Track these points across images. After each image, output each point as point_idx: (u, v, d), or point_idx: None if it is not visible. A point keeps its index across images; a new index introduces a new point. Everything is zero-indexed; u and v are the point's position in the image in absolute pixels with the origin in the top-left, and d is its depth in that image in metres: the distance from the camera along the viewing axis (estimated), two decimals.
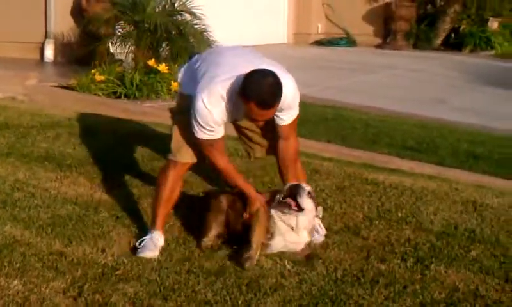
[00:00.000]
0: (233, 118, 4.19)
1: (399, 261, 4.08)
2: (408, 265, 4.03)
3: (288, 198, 4.10)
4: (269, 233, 4.10)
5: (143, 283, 3.65)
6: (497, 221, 4.85)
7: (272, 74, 3.93)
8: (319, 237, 4.32)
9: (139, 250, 4.05)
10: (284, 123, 4.19)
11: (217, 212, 4.31)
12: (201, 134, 4.02)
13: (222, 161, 4.20)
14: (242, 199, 4.26)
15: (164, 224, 4.26)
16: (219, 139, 4.08)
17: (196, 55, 4.45)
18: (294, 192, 4.13)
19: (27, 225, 4.36)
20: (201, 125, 3.98)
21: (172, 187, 4.26)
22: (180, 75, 4.46)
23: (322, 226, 4.39)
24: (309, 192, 4.15)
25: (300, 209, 4.08)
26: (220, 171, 4.28)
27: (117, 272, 3.76)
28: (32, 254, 3.93)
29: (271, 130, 4.30)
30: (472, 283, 3.83)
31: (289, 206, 4.10)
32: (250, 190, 4.26)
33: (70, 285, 3.59)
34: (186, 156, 4.26)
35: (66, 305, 3.39)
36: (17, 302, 3.40)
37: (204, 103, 3.94)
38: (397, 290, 3.70)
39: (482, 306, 3.56)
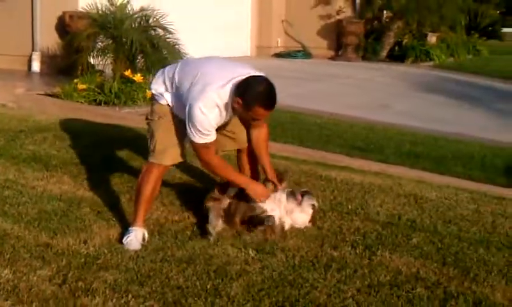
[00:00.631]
0: (224, 121, 4.15)
1: (349, 248, 4.10)
2: (358, 251, 4.06)
3: (298, 195, 4.37)
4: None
5: (122, 270, 3.63)
6: (435, 212, 4.90)
7: (264, 78, 4.02)
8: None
9: (125, 244, 4.00)
10: None
11: None
12: (199, 139, 3.99)
13: (216, 160, 4.19)
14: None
15: (144, 219, 4.24)
16: (212, 141, 4.06)
17: (168, 68, 4.32)
18: (304, 193, 4.39)
19: (16, 219, 4.32)
20: (199, 130, 3.95)
21: (154, 187, 4.24)
22: (155, 87, 4.29)
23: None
24: (313, 205, 4.38)
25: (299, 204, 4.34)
26: (214, 169, 4.25)
27: (98, 261, 3.73)
28: (21, 246, 3.88)
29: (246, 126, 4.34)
30: (413, 266, 3.87)
31: (297, 199, 4.35)
32: (246, 181, 4.28)
33: (56, 273, 3.55)
34: (170, 158, 4.24)
35: (52, 291, 3.36)
36: (7, 289, 3.36)
37: (201, 111, 3.90)
38: (348, 273, 3.72)
39: (422, 287, 3.59)
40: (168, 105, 4.19)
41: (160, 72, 4.37)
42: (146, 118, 4.38)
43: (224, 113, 4.03)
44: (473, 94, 12.09)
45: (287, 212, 4.32)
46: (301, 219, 4.35)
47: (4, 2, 10.61)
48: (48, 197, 4.78)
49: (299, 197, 4.37)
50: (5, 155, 5.80)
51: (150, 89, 4.40)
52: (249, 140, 4.41)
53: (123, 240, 4.03)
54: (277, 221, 4.25)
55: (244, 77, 3.97)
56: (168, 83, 4.21)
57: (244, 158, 4.53)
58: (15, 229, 4.15)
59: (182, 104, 4.07)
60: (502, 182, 6.03)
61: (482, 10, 21.43)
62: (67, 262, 3.70)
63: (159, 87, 4.26)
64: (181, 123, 4.12)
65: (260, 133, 4.35)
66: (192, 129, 3.96)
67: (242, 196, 4.26)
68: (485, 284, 3.66)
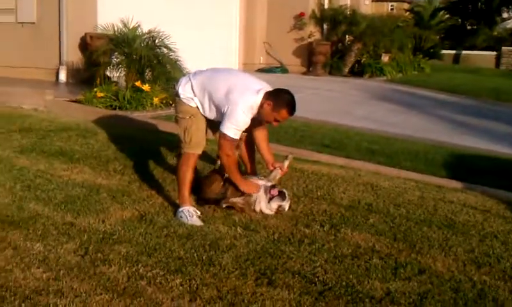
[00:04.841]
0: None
1: (318, 227, 4.12)
2: (325, 229, 4.08)
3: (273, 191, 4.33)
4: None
5: (133, 244, 3.62)
6: (388, 197, 4.92)
7: (290, 92, 4.24)
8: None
9: (188, 220, 4.05)
10: None
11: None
12: (235, 135, 4.11)
13: (234, 156, 4.28)
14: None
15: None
16: (237, 138, 4.19)
17: (194, 78, 4.31)
18: (279, 192, 4.35)
19: (46, 203, 4.29)
20: (239, 127, 4.08)
21: (193, 172, 4.31)
22: (183, 92, 4.28)
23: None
24: (280, 205, 4.31)
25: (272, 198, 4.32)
26: (229, 161, 4.22)
27: (113, 237, 3.72)
28: (50, 224, 3.87)
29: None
30: (370, 241, 3.89)
31: (271, 194, 4.33)
32: (241, 181, 4.33)
33: (79, 247, 3.54)
34: (201, 148, 4.34)
35: (76, 261, 3.34)
36: (39, 259, 3.34)
37: (243, 111, 4.05)
38: (317, 247, 3.74)
39: (377, 258, 3.61)
40: (197, 107, 4.27)
41: (184, 80, 4.36)
42: (176, 117, 4.41)
43: (254, 114, 4.15)
44: (418, 102, 12.12)
45: (260, 200, 4.31)
46: (266, 210, 4.32)
47: (36, 25, 10.51)
48: (73, 185, 4.75)
49: (273, 193, 4.32)
50: (37, 149, 5.74)
51: (177, 94, 4.34)
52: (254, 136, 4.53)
53: (185, 220, 4.05)
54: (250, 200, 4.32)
55: (275, 88, 4.22)
56: (197, 90, 4.25)
57: (243, 146, 4.64)
58: (45, 210, 4.13)
59: (215, 107, 4.19)
60: (442, 174, 6.05)
61: (425, 35, 21.49)
62: (88, 237, 3.68)
63: (187, 93, 4.29)
64: (208, 122, 4.32)
65: (263, 131, 4.50)
66: (230, 126, 4.05)
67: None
68: (428, 256, 3.70)
